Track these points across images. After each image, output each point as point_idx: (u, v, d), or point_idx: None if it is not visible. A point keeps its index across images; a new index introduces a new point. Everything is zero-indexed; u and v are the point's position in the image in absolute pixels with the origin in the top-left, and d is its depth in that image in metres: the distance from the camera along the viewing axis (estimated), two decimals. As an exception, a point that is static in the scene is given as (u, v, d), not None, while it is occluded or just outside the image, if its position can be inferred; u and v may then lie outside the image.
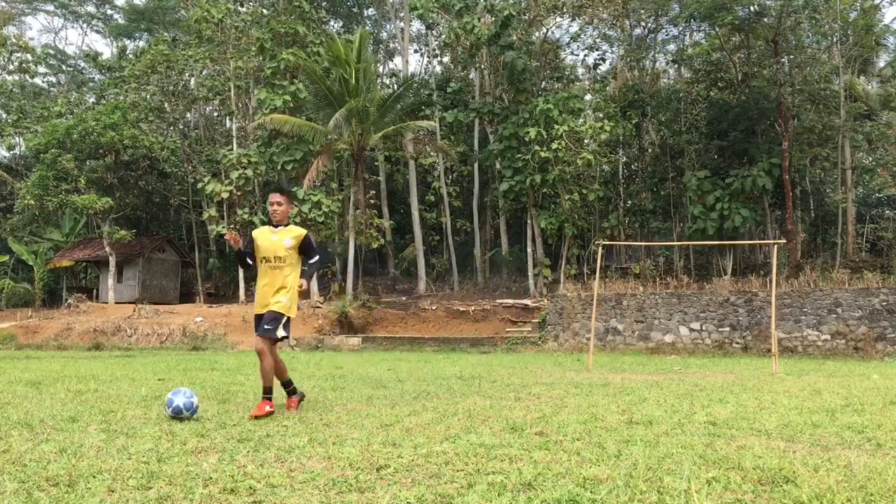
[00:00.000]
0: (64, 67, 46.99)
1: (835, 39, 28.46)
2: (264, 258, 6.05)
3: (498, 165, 28.13)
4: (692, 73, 30.62)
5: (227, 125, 37.51)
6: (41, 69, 42.95)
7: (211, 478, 3.46)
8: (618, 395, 7.44)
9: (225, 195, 28.84)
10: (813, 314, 18.43)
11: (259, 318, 6.03)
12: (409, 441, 4.47)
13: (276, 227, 6.13)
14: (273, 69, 27.55)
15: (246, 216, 28.95)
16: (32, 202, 30.80)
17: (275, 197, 6.10)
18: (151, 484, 3.36)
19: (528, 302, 24.69)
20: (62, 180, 30.84)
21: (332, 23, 38.83)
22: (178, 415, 5.36)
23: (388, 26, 41.41)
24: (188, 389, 5.56)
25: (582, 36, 31.63)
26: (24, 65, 38.59)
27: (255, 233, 6.22)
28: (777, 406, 6.44)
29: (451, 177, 35.22)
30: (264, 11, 31.45)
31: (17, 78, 39.95)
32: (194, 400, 5.47)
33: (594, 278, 15.93)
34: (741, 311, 19.15)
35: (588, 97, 31.69)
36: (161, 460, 3.89)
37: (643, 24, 32.45)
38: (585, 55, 33.29)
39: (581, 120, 27.06)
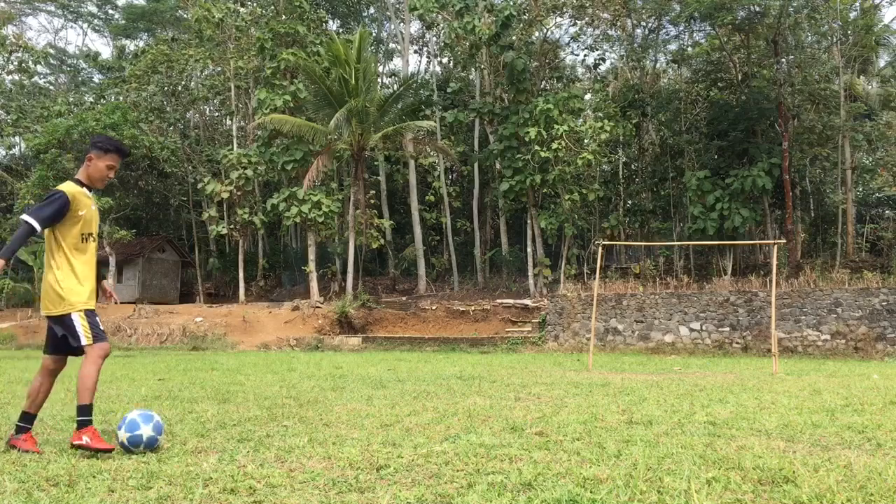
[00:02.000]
0: (64, 67, 47.01)
1: (835, 39, 28.44)
2: (89, 234, 4.40)
3: (498, 165, 28.12)
4: (692, 73, 30.61)
5: (227, 125, 37.51)
6: (41, 69, 42.95)
7: (211, 478, 3.46)
8: (618, 395, 7.43)
9: (225, 195, 28.85)
10: (813, 314, 18.43)
11: (92, 314, 4.35)
12: (409, 441, 4.47)
13: (90, 190, 4.50)
14: (273, 69, 27.56)
15: (246, 216, 28.96)
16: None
17: (118, 161, 4.55)
18: (151, 484, 3.36)
19: (528, 302, 24.69)
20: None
21: (330, 22, 38.83)
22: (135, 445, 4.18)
23: (388, 26, 41.42)
24: (150, 423, 4.23)
25: (582, 36, 31.60)
26: (23, 65, 38.58)
27: (71, 191, 4.32)
28: (777, 406, 6.43)
29: (451, 177, 35.22)
30: (264, 11, 31.44)
31: (16, 78, 39.94)
32: (142, 434, 4.17)
33: (594, 278, 15.92)
34: (741, 311, 19.14)
35: (588, 97, 31.67)
36: (161, 460, 3.89)
37: (644, 23, 32.44)
38: (585, 55, 33.29)
39: (581, 120, 27.05)
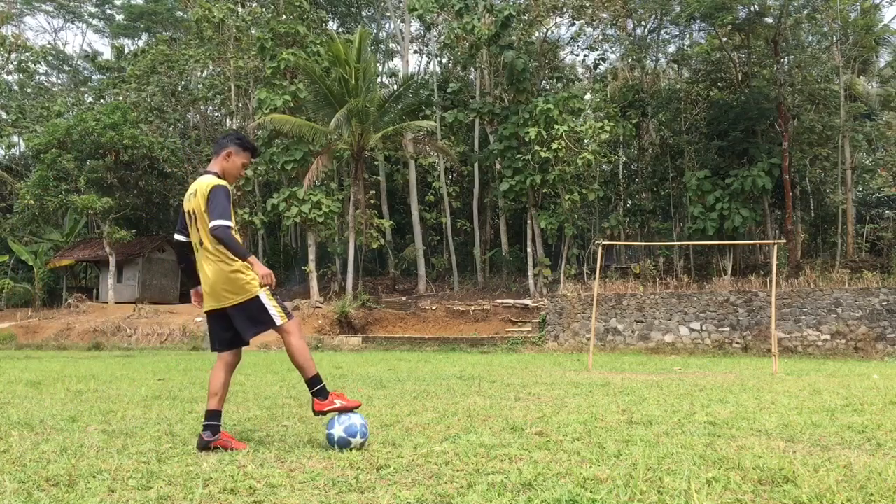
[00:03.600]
0: (64, 67, 47.03)
1: (835, 39, 28.45)
2: (236, 228, 4.43)
3: (498, 165, 28.13)
4: (692, 73, 30.62)
5: (227, 125, 37.50)
6: (41, 69, 42.98)
7: (211, 478, 3.46)
8: (618, 395, 7.43)
9: (225, 195, 28.83)
10: (813, 314, 18.43)
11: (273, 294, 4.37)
12: (409, 441, 4.47)
13: None
14: (273, 69, 27.56)
15: (246, 216, 28.96)
16: (32, 202, 30.81)
17: (250, 161, 4.66)
18: (151, 484, 3.35)
19: (528, 302, 24.69)
20: (62, 180, 30.85)
21: (330, 23, 38.83)
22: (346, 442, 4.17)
23: (387, 25, 41.44)
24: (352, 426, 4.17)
25: (582, 36, 31.61)
26: (22, 64, 38.59)
27: (226, 183, 4.36)
28: (777, 406, 6.43)
29: (451, 177, 35.22)
30: (264, 11, 31.44)
31: (16, 77, 39.96)
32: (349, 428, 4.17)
33: (594, 278, 15.93)
34: (741, 311, 19.15)
35: (588, 97, 31.67)
36: (161, 460, 3.89)
37: (644, 23, 32.45)
38: (585, 55, 33.29)
39: (581, 120, 27.05)
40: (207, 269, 4.26)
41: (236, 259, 4.21)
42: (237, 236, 4.27)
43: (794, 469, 3.58)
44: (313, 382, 4.25)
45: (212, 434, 4.19)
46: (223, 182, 4.28)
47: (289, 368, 12.20)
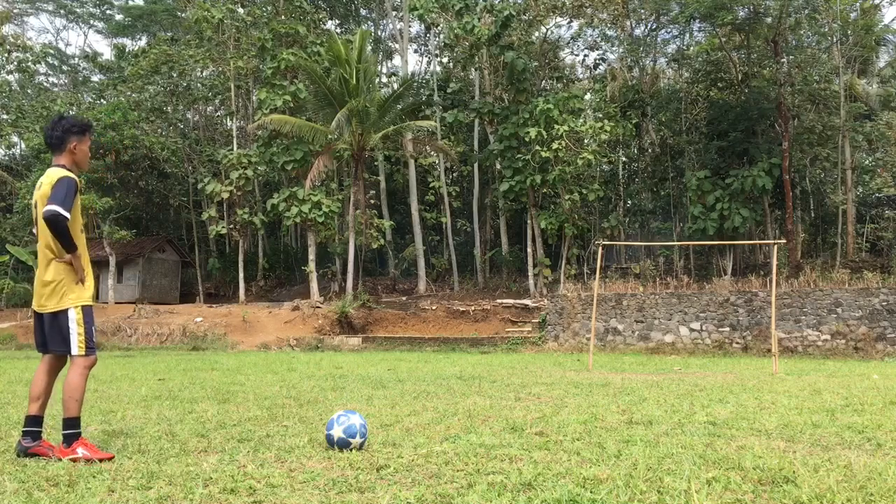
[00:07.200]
0: (65, 68, 47.02)
1: (835, 39, 28.44)
2: (83, 228, 4.29)
3: (498, 165, 28.13)
4: (692, 73, 30.61)
5: (227, 125, 37.51)
6: (41, 69, 42.95)
7: (211, 478, 3.46)
8: (618, 395, 7.44)
9: (225, 195, 28.86)
10: (813, 314, 18.43)
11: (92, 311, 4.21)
12: (409, 441, 4.47)
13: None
14: (273, 69, 27.57)
15: (246, 216, 28.96)
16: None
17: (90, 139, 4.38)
18: (151, 484, 3.36)
19: (528, 302, 24.69)
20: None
21: (329, 23, 38.81)
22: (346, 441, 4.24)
23: (385, 24, 41.40)
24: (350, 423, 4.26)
25: (582, 36, 31.60)
26: (22, 64, 38.55)
27: (76, 178, 4.16)
28: (777, 406, 6.44)
29: (451, 177, 35.20)
30: (262, 11, 31.42)
31: (16, 77, 39.93)
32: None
33: (594, 278, 15.94)
34: (741, 311, 19.14)
35: (588, 97, 31.68)
36: (161, 460, 3.89)
37: (645, 22, 32.44)
38: (585, 55, 33.28)
39: (581, 120, 27.05)
40: (41, 265, 4.12)
41: (63, 261, 4.06)
42: (82, 236, 4.17)
43: (794, 469, 3.59)
44: (71, 424, 3.98)
45: (31, 440, 4.03)
46: (72, 174, 4.10)
47: (288, 369, 12.19)
